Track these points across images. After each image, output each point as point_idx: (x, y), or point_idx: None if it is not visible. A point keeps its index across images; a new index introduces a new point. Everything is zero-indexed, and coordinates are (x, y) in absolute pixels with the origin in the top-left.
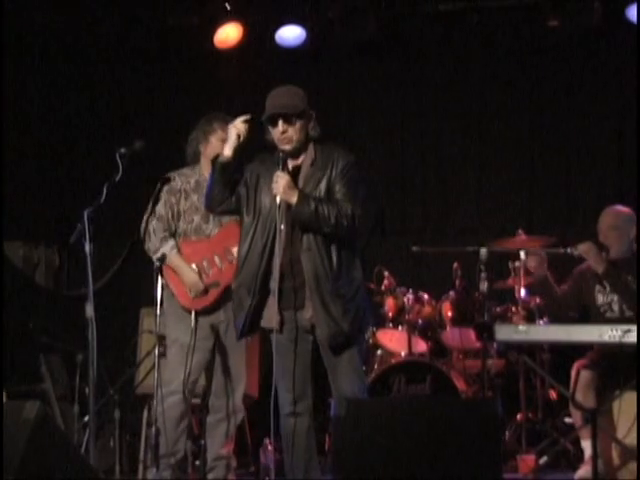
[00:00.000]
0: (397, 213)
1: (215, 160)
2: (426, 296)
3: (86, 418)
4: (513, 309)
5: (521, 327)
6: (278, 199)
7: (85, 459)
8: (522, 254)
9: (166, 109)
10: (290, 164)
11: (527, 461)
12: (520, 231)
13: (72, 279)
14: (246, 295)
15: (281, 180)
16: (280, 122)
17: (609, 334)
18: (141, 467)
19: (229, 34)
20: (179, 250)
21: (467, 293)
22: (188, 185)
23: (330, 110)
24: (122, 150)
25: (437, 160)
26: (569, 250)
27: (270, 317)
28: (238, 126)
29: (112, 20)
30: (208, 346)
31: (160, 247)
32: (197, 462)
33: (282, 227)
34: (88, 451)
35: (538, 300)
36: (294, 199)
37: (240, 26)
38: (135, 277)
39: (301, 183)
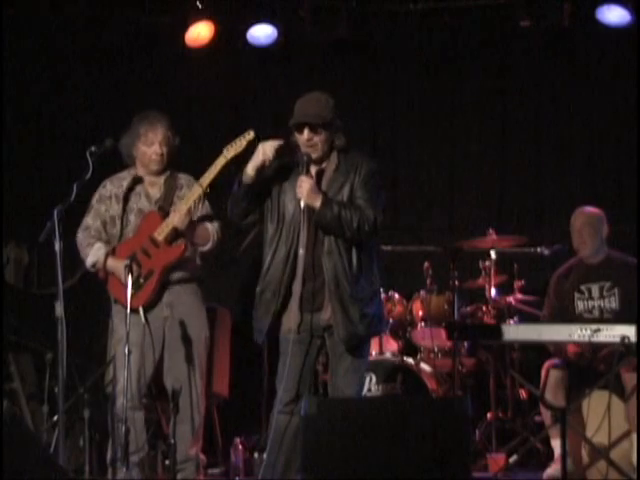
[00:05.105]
0: None
1: (240, 179)
2: (397, 295)
3: (55, 417)
4: (483, 308)
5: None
6: (302, 202)
7: (54, 459)
8: (492, 253)
9: (137, 108)
10: (313, 169)
11: (497, 460)
12: (491, 231)
13: (42, 278)
14: (272, 298)
15: (305, 184)
16: (306, 130)
17: (578, 333)
18: (110, 467)
19: (200, 33)
20: (113, 250)
21: (438, 292)
22: (120, 189)
23: None
24: (92, 148)
25: (408, 160)
26: (539, 250)
27: (289, 319)
28: (267, 152)
29: (83, 18)
30: (156, 343)
31: (88, 254)
32: (167, 462)
33: (305, 230)
34: (57, 451)
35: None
36: (318, 203)
37: (211, 25)
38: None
39: (324, 187)
